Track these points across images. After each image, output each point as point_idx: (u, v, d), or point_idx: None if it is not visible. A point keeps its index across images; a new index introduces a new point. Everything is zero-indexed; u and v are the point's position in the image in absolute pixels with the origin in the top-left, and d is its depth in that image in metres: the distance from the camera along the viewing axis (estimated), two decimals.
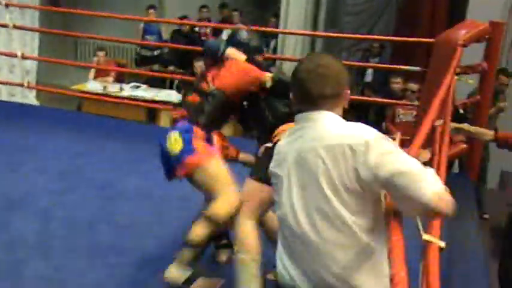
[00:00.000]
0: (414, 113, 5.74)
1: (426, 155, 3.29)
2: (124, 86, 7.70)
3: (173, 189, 3.43)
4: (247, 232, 2.76)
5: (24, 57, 6.70)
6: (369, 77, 8.26)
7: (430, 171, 1.70)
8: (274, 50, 8.59)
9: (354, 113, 8.20)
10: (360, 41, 9.29)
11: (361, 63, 7.78)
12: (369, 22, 9.27)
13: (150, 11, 8.76)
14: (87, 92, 7.32)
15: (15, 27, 6.30)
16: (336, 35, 8.00)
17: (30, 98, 7.81)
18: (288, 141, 1.90)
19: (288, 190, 1.85)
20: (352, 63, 7.14)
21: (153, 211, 4.02)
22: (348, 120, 1.83)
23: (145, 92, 7.58)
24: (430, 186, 1.63)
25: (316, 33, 8.39)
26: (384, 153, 1.68)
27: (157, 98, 7.33)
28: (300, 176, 1.81)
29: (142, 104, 7.09)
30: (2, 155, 4.88)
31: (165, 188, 3.36)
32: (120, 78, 8.15)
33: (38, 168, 4.63)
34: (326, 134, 1.78)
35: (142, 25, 8.87)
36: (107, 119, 6.16)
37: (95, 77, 8.14)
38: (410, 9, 8.06)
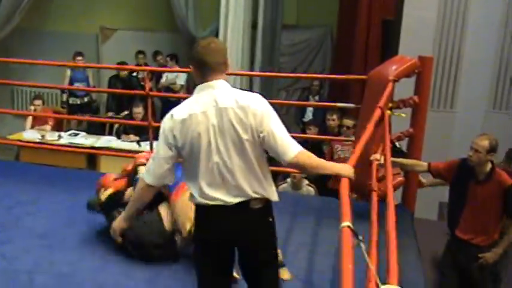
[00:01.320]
0: (351, 149, 5.88)
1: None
2: (62, 134, 7.61)
3: None
4: None
5: None
6: (309, 115, 8.46)
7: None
8: None
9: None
10: (297, 80, 9.53)
11: (300, 102, 7.96)
12: (305, 61, 9.52)
13: (78, 57, 8.75)
14: (25, 141, 7.20)
15: None
16: (272, 74, 8.18)
17: None
18: (197, 106, 2.63)
19: (213, 140, 2.60)
20: (292, 102, 7.29)
21: (98, 260, 3.93)
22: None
23: (84, 139, 7.51)
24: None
25: (253, 73, 8.54)
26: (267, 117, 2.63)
27: (96, 145, 7.27)
28: (220, 131, 2.59)
29: (81, 150, 7.02)
30: None
31: (108, 234, 3.34)
32: (57, 127, 8.05)
33: None
34: (228, 97, 2.61)
35: (69, 72, 8.86)
36: (46, 167, 6.05)
37: (32, 126, 8.00)
38: (344, 47, 8.32)
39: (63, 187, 5.35)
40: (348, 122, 6.14)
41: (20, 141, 7.26)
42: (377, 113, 4.31)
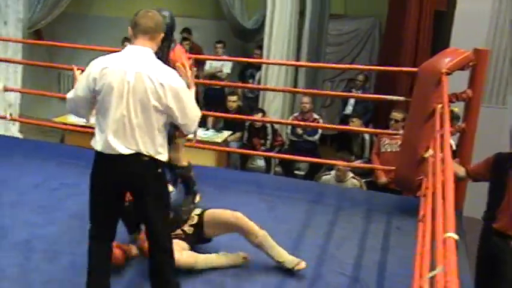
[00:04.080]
0: (399, 142, 5.72)
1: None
2: None
3: None
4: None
5: (6, 90, 6.62)
6: (349, 108, 8.32)
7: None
8: (260, 82, 8.62)
9: (337, 144, 8.30)
10: (343, 71, 9.37)
11: (346, 94, 7.80)
12: (352, 52, 9.35)
13: (126, 43, 8.75)
14: (70, 124, 7.24)
15: None
16: (318, 64, 8.01)
17: (13, 131, 7.71)
18: (122, 61, 3.00)
19: (125, 97, 2.96)
20: (338, 93, 7.15)
21: None
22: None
23: None
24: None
25: (299, 63, 8.40)
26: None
27: None
28: (133, 90, 2.96)
29: None
30: None
31: None
32: None
33: (19, 201, 4.54)
34: (149, 65, 3.01)
35: None
36: (90, 150, 6.04)
37: None
38: (393, 38, 8.10)
39: None
40: (397, 116, 5.97)
41: (65, 124, 7.30)
42: (439, 108, 4.18)
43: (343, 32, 9.64)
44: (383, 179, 5.96)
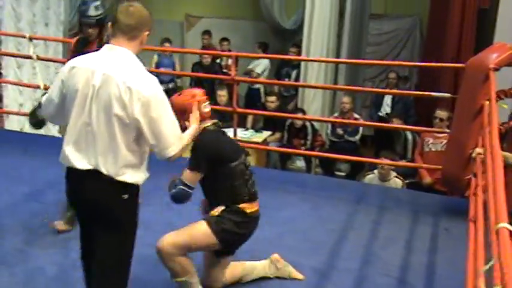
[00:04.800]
0: (444, 141, 5.58)
1: None
2: None
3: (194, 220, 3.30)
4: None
5: (46, 89, 6.68)
6: (386, 109, 8.17)
7: None
8: (296, 81, 8.56)
9: (378, 144, 8.16)
10: (383, 70, 9.24)
11: (388, 90, 7.67)
12: (393, 51, 9.21)
13: (165, 44, 8.82)
14: None
15: (38, 58, 6.29)
16: (358, 61, 7.88)
17: (53, 132, 7.79)
18: (92, 61, 2.55)
19: (88, 101, 2.50)
20: (379, 89, 7.04)
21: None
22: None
23: None
24: None
25: (338, 60, 8.30)
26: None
27: None
28: (97, 95, 2.48)
29: None
30: (23, 185, 4.83)
31: (189, 218, 3.29)
32: None
33: (58, 199, 4.54)
34: (121, 68, 2.49)
35: (156, 58, 8.94)
36: None
37: None
38: (436, 37, 7.95)
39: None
40: (442, 114, 5.81)
41: None
42: (488, 105, 4.06)
43: (383, 31, 9.52)
44: (428, 179, 5.82)
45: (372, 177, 5.93)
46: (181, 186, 3.10)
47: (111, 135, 2.48)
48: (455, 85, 6.52)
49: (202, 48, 9.23)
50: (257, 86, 9.10)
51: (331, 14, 8.25)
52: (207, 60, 8.91)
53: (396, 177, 5.85)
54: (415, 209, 4.78)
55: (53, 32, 8.62)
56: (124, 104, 2.44)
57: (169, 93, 8.67)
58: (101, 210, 2.59)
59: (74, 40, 4.26)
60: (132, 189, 2.59)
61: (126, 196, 2.56)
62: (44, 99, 2.82)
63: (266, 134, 7.68)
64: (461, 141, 4.47)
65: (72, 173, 2.58)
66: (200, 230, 3.18)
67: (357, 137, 7.66)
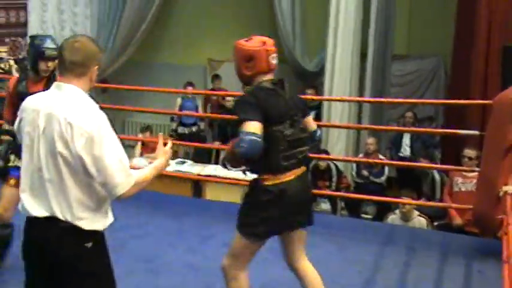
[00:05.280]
0: (474, 181, 5.43)
1: None
2: (170, 161, 7.62)
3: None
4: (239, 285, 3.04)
5: None
6: (406, 149, 8.05)
7: None
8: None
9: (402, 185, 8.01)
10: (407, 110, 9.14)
11: (414, 129, 7.56)
12: (417, 92, 9.13)
13: (189, 87, 8.88)
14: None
15: None
16: (382, 100, 7.78)
17: None
18: (39, 101, 2.40)
19: (35, 144, 2.35)
20: (407, 129, 6.96)
21: (201, 284, 3.83)
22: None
23: (190, 167, 7.49)
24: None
25: (362, 98, 8.21)
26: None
27: (202, 173, 7.22)
28: (44, 136, 2.33)
29: (187, 176, 6.98)
30: None
31: (213, 260, 3.19)
32: None
33: None
34: (64, 105, 2.32)
35: (179, 101, 9.00)
36: (153, 193, 6.04)
37: (141, 154, 8.15)
38: (460, 75, 7.86)
39: (170, 213, 5.37)
40: (470, 153, 5.67)
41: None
42: (505, 140, 3.96)
43: (407, 72, 9.45)
44: (458, 220, 5.65)
45: (393, 218, 5.80)
46: (250, 137, 2.74)
47: (60, 178, 2.31)
48: (482, 123, 6.40)
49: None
50: None
51: (353, 55, 8.22)
52: (230, 103, 8.91)
53: (419, 215, 5.71)
54: (445, 251, 4.62)
55: None
56: (66, 141, 2.28)
57: (192, 136, 8.75)
58: (64, 263, 2.36)
59: (12, 81, 4.08)
60: (97, 235, 2.40)
61: (89, 244, 2.36)
62: None
63: None
64: (492, 180, 4.34)
65: (30, 222, 2.40)
66: (236, 241, 3.04)
67: (383, 178, 7.54)
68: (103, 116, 2.36)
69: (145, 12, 9.59)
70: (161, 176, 6.64)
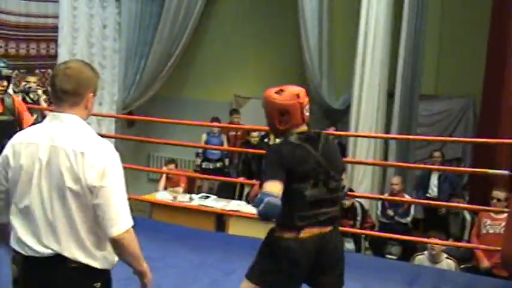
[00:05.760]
0: (503, 223, 5.31)
1: None
2: (193, 196, 7.63)
3: None
4: None
5: None
6: (433, 190, 7.92)
7: None
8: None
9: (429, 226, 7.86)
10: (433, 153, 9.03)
11: (442, 167, 7.45)
12: (445, 132, 9.03)
13: (213, 122, 8.92)
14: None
15: None
16: (410, 137, 7.72)
17: None
18: (36, 134, 2.23)
19: (36, 180, 2.18)
20: (433, 166, 6.88)
21: None
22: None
23: (214, 202, 7.45)
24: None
25: (388, 135, 8.16)
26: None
27: (226, 208, 7.18)
28: (47, 171, 2.17)
29: (211, 210, 6.94)
30: None
31: None
32: (189, 190, 8.14)
33: None
34: (70, 136, 2.18)
35: (204, 137, 9.02)
36: (176, 226, 6.03)
37: (165, 188, 8.15)
38: (490, 116, 7.76)
39: (192, 246, 5.31)
40: (499, 195, 5.56)
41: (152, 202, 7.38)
42: None
43: (435, 112, 9.37)
44: (485, 263, 5.51)
45: (421, 259, 5.67)
46: (268, 198, 2.71)
47: (68, 214, 2.16)
48: None
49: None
50: None
51: (379, 95, 8.19)
52: (255, 139, 8.91)
53: (447, 257, 5.57)
54: None
55: (106, 111, 8.89)
56: (76, 174, 2.13)
57: (216, 171, 8.71)
58: None
59: None
60: (106, 274, 2.31)
61: (98, 285, 2.26)
62: None
63: None
64: None
65: (27, 261, 2.21)
66: (243, 285, 2.98)
67: (408, 219, 7.42)
68: (113, 148, 2.26)
69: (173, 48, 9.72)
70: (185, 210, 6.71)
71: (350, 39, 8.52)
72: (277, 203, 2.71)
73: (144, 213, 7.85)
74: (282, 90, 2.94)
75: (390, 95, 8.36)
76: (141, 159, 10.99)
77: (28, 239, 2.20)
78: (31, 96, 6.71)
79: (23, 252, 2.21)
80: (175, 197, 7.46)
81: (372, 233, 6.74)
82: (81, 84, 2.25)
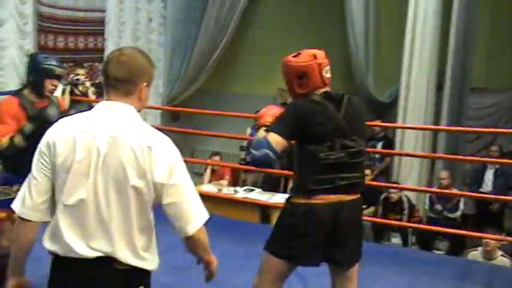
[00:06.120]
0: None
1: None
2: (238, 189, 7.62)
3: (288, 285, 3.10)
4: None
5: None
6: (488, 184, 7.70)
7: None
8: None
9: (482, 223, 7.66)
10: (483, 147, 8.80)
11: (496, 160, 7.22)
12: (495, 126, 8.77)
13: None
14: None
15: None
16: (460, 128, 7.52)
17: None
18: (91, 122, 2.04)
19: (92, 172, 1.99)
20: (483, 159, 6.72)
21: None
22: None
23: (259, 195, 7.42)
24: None
25: (437, 127, 8.00)
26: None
27: (271, 201, 7.14)
28: (104, 163, 1.99)
29: (256, 201, 6.92)
30: None
31: None
32: (234, 183, 8.14)
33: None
34: (131, 127, 2.03)
35: (249, 130, 8.98)
36: (221, 217, 6.01)
37: (209, 181, 8.17)
38: None
39: (238, 237, 5.30)
40: None
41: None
42: None
43: (485, 105, 9.11)
44: None
45: (475, 254, 5.52)
46: (267, 151, 2.67)
47: (126, 213, 2.01)
48: None
49: None
50: None
51: (428, 87, 8.03)
52: None
53: (503, 255, 5.40)
54: None
55: (150, 104, 8.95)
56: (142, 169, 1.99)
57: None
58: None
59: (10, 102, 3.64)
60: (148, 278, 2.18)
61: (142, 287, 2.15)
62: (21, 197, 2.10)
63: None
64: None
65: (73, 263, 2.04)
66: (262, 258, 2.96)
67: (457, 214, 7.25)
68: (173, 144, 2.13)
69: (218, 41, 9.71)
70: (229, 202, 6.71)
71: (396, 31, 8.36)
72: (274, 160, 2.67)
73: None
74: (298, 54, 2.87)
75: (438, 88, 8.17)
76: (185, 153, 11.02)
77: (73, 240, 2.01)
78: (80, 88, 6.79)
79: (61, 253, 2.04)
80: (220, 190, 7.47)
81: (421, 226, 6.57)
82: (136, 72, 2.09)
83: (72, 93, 6.34)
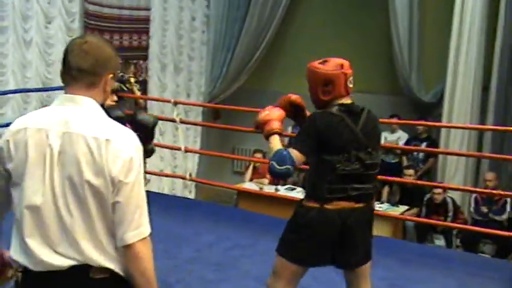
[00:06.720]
0: None
1: None
2: (279, 187, 7.61)
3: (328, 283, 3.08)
4: None
5: (187, 151, 7.00)
6: None
7: None
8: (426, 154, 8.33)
9: None
10: None
11: None
12: None
13: None
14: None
15: (181, 121, 6.59)
16: (507, 128, 7.33)
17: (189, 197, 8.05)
18: (44, 119, 1.87)
19: (48, 173, 1.82)
20: None
21: None
22: None
23: (300, 194, 7.40)
24: None
25: (484, 126, 7.83)
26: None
27: None
28: (60, 162, 1.82)
29: (298, 199, 6.90)
30: (159, 243, 4.78)
31: (321, 281, 3.07)
32: (275, 181, 8.11)
33: (195, 258, 4.52)
34: (88, 122, 1.85)
35: (290, 129, 8.95)
36: (263, 215, 6.02)
37: (251, 179, 8.17)
38: None
39: (279, 235, 5.25)
40: None
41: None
42: None
43: None
44: None
45: None
46: (289, 166, 2.76)
47: (86, 213, 1.82)
48: None
49: None
50: (397, 159, 8.69)
51: (474, 88, 7.88)
52: None
53: None
54: None
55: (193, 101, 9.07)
56: (98, 166, 1.79)
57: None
58: None
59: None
60: (126, 284, 1.90)
61: None
62: None
63: (402, 208, 7.32)
64: None
65: (43, 277, 1.84)
66: (276, 259, 3.00)
67: (504, 217, 7.07)
68: (137, 138, 1.93)
69: (259, 40, 9.74)
70: (270, 201, 6.72)
71: (441, 30, 8.25)
72: (292, 172, 2.82)
73: (230, 204, 7.95)
74: (326, 61, 2.93)
75: (485, 88, 8.02)
76: (226, 152, 11.10)
77: (39, 248, 1.83)
78: (127, 86, 6.91)
79: (29, 266, 1.85)
80: (261, 188, 7.49)
81: (468, 227, 6.44)
82: (100, 62, 1.91)
83: (120, 90, 6.45)
